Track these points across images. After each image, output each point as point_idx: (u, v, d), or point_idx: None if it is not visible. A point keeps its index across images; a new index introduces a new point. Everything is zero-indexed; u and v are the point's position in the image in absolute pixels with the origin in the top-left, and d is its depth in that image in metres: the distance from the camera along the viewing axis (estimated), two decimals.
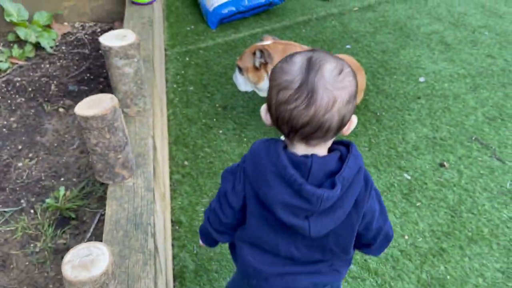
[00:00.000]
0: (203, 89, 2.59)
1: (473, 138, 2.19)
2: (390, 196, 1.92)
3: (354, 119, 0.90)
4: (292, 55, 0.84)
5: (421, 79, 2.59)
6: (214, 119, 2.37)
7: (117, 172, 1.26)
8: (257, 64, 1.98)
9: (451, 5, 3.33)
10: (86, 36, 2.48)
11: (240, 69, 2.04)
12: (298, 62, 0.82)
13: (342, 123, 0.85)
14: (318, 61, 0.81)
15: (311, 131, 0.82)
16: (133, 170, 1.32)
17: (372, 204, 0.94)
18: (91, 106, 1.14)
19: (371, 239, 1.01)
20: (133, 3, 2.25)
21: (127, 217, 1.19)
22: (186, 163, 2.11)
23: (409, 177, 2.01)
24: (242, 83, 2.09)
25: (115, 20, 2.52)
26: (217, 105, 2.47)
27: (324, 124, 0.81)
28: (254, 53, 1.99)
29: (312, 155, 0.85)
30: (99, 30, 2.54)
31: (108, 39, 1.41)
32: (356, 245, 1.02)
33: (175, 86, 2.61)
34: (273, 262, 0.99)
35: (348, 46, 2.91)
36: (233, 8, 3.15)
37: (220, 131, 2.30)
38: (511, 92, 2.47)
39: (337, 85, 0.81)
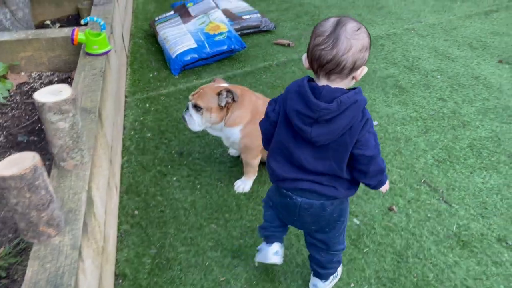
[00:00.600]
0: (160, 135, 2.60)
1: (422, 181, 2.23)
2: None
3: (365, 69, 1.25)
4: (327, 18, 1.23)
5: (375, 123, 2.65)
6: (169, 166, 2.37)
7: (41, 231, 1.24)
8: (223, 103, 2.01)
9: (406, 50, 3.46)
10: (42, 85, 2.50)
11: (199, 109, 2.04)
12: (331, 21, 1.21)
13: (354, 66, 1.20)
14: (344, 21, 1.19)
15: (332, 67, 1.19)
16: (60, 227, 1.30)
17: (367, 136, 1.26)
18: (11, 165, 1.14)
19: (365, 166, 1.30)
20: (87, 54, 2.29)
21: (47, 279, 1.16)
22: (136, 212, 2.09)
23: (358, 222, 2.02)
24: (198, 122, 2.07)
25: (73, 70, 2.56)
26: (173, 151, 2.48)
27: (341, 62, 1.18)
28: (218, 94, 2.01)
29: (327, 85, 1.21)
30: (56, 79, 2.56)
31: (43, 95, 1.43)
32: (353, 172, 1.34)
33: (132, 133, 2.62)
34: (289, 169, 1.37)
35: None
36: (195, 55, 3.23)
37: (174, 178, 2.30)
38: (460, 134, 2.55)
39: (354, 37, 1.18)
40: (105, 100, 2.10)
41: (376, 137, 1.29)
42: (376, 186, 1.39)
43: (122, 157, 2.43)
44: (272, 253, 1.66)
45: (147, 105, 2.88)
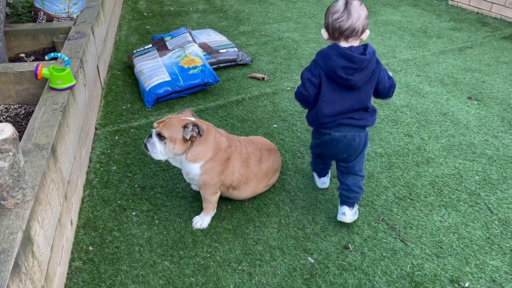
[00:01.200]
0: (125, 168, 2.61)
1: (381, 219, 2.23)
2: (290, 281, 1.90)
3: (368, 31, 1.88)
4: (336, 1, 1.88)
5: None
6: (130, 200, 2.37)
7: None
8: (188, 136, 2.03)
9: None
10: (8, 118, 2.52)
11: (163, 138, 2.04)
12: (340, 2, 1.84)
13: (363, 29, 1.84)
14: (350, 1, 1.83)
15: (349, 33, 1.82)
16: None
17: (382, 75, 1.93)
18: None
19: (386, 93, 1.99)
20: (51, 88, 2.32)
21: None
22: (90, 248, 2.08)
23: (312, 261, 2.00)
24: (160, 151, 2.06)
25: None
26: (136, 185, 2.48)
27: (356, 28, 1.81)
28: (184, 126, 2.03)
29: (351, 45, 1.86)
30: (23, 112, 2.59)
31: None
32: (377, 97, 2.03)
33: (98, 166, 2.63)
34: (332, 109, 1.93)
35: (274, 125, 3.01)
36: (169, 88, 3.27)
37: (133, 213, 2.29)
38: (422, 171, 2.56)
39: (360, 9, 1.82)
40: (64, 135, 2.12)
41: (387, 71, 1.97)
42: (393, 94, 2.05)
43: (84, 191, 2.43)
44: (321, 183, 2.44)
45: (116, 137, 2.90)
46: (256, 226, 2.20)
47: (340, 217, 2.14)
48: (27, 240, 1.49)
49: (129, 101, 3.34)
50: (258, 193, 2.35)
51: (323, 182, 2.44)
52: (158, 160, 2.12)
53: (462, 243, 2.09)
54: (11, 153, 1.47)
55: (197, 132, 2.04)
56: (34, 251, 1.54)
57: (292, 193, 2.41)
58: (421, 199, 2.36)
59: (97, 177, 2.54)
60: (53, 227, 1.80)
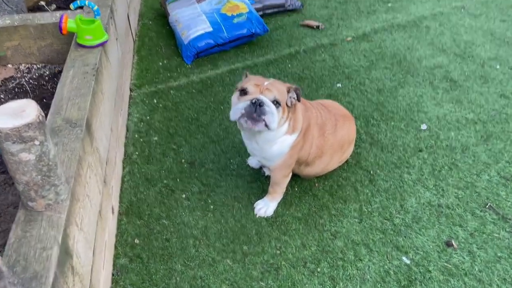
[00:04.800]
0: (169, 139, 2.23)
1: (487, 206, 1.81)
2: None
3: None
4: None
5: (423, 127, 2.21)
6: (178, 179, 2.01)
7: None
8: (289, 103, 1.60)
9: (456, 33, 2.96)
10: (31, 81, 2.14)
11: (278, 105, 1.55)
12: None
13: None
14: None
15: None
16: None
17: None
18: None
19: None
20: (79, 45, 1.91)
21: None
22: (136, 241, 1.74)
23: (408, 262, 1.62)
24: (277, 121, 1.55)
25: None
26: (183, 160, 2.11)
27: None
28: (288, 91, 1.61)
29: None
30: (47, 73, 2.19)
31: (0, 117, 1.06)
32: None
33: (136, 136, 2.25)
34: None
35: (338, 85, 2.54)
36: (211, 41, 2.80)
37: (183, 196, 1.93)
38: None
39: None
40: (99, 104, 1.73)
41: None
42: None
43: (123, 168, 2.07)
44: None
45: (155, 100, 2.50)
46: (332, 214, 1.81)
47: None
48: (65, 254, 1.14)
49: (165, 55, 2.90)
50: (330, 170, 1.94)
51: None
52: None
53: None
54: (37, 142, 1.09)
55: (295, 98, 1.62)
56: (74, 266, 1.20)
57: (371, 172, 1.99)
58: None
59: (136, 150, 2.17)
60: (94, 224, 1.46)
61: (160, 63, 2.82)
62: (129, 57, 2.74)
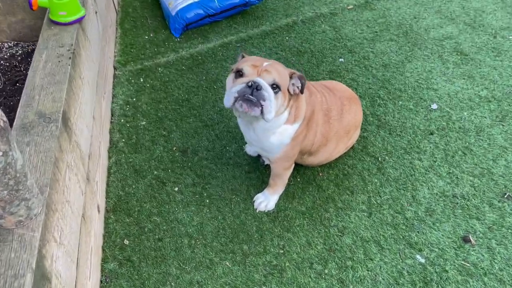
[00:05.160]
0: (158, 124, 2.04)
1: (506, 196, 1.68)
2: None
3: None
4: None
5: (434, 106, 2.05)
6: (169, 170, 1.84)
7: None
8: (291, 91, 1.42)
9: (465, 0, 2.74)
10: (2, 61, 1.92)
11: (277, 90, 1.36)
12: None
13: None
14: None
15: None
16: None
17: None
18: None
19: None
20: (52, 22, 1.68)
21: None
22: (126, 242, 1.59)
23: (423, 260, 1.50)
24: (275, 108, 1.36)
25: None
26: (174, 147, 1.93)
27: None
28: (290, 76, 1.42)
29: None
30: (20, 52, 1.97)
31: None
32: None
33: (122, 120, 2.06)
34: None
35: (341, 60, 2.35)
36: (201, 11, 2.57)
37: (176, 189, 1.77)
38: None
39: None
40: (77, 91, 1.53)
41: None
42: None
43: (109, 158, 1.89)
44: None
45: (141, 79, 2.29)
46: (338, 207, 1.67)
47: None
48: (41, 279, 0.99)
49: (151, 28, 2.66)
50: (335, 157, 1.79)
51: None
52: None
53: None
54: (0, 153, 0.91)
55: (298, 87, 1.43)
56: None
57: (379, 158, 1.84)
58: None
59: (123, 137, 1.98)
60: (77, 232, 1.30)
61: (146, 37, 2.59)
62: (111, 31, 2.50)
